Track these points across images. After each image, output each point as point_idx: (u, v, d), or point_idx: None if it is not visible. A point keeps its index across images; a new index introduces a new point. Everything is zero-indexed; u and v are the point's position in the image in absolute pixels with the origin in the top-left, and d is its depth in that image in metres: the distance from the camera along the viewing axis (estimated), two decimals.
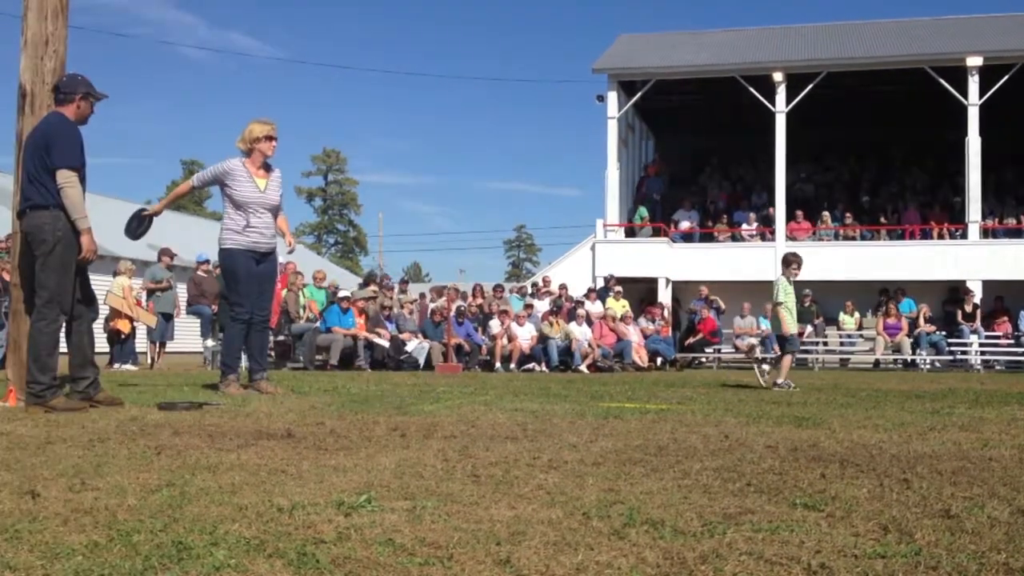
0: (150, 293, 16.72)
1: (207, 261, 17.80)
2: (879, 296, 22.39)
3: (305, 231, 74.29)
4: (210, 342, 16.90)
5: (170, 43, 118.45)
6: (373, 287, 19.32)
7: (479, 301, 19.87)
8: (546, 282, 22.10)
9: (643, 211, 24.90)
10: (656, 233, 24.75)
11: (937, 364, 20.19)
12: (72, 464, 3.63)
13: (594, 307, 19.99)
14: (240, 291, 8.07)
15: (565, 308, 19.17)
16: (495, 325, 18.14)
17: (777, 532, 2.55)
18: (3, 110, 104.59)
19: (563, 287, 20.96)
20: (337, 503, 2.85)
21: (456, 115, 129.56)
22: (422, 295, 21.23)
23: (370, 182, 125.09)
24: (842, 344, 22.32)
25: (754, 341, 21.61)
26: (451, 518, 2.68)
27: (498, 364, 17.46)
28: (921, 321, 20.69)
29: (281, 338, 17.12)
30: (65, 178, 5.98)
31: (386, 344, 17.00)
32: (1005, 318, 21.53)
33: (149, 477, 3.32)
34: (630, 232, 25.12)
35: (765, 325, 21.95)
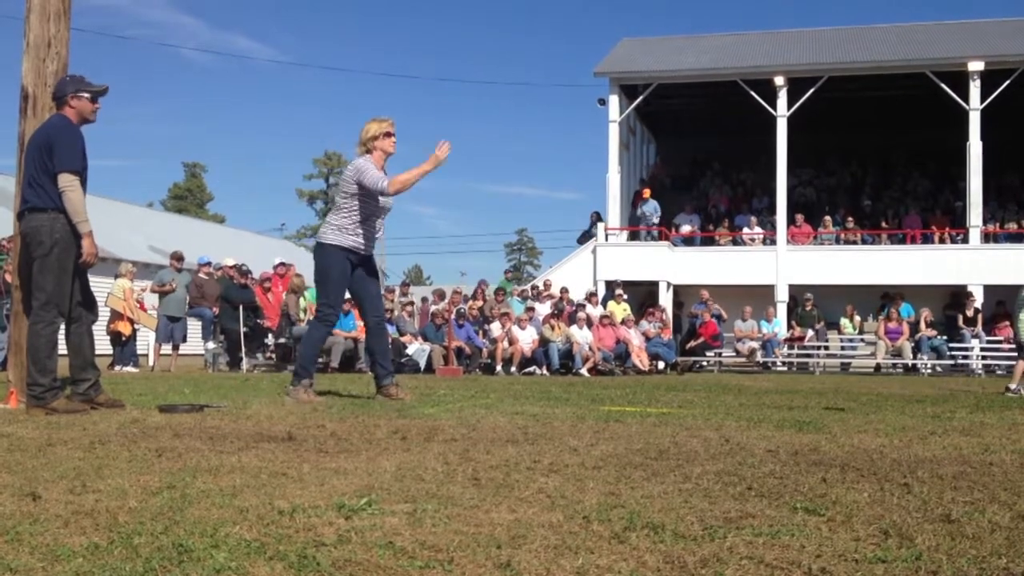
0: (161, 296, 16.78)
1: (208, 263, 17.82)
2: (881, 300, 22.38)
3: (307, 234, 74.32)
4: (211, 344, 16.93)
5: (172, 45, 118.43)
6: None
7: (480, 304, 19.87)
8: (547, 285, 22.10)
9: (655, 205, 24.83)
10: (658, 237, 24.74)
11: (938, 368, 20.19)
12: (73, 466, 3.63)
13: (595, 311, 20.01)
14: (331, 291, 7.58)
15: (566, 312, 19.17)
16: (496, 328, 18.15)
17: (778, 536, 2.55)
18: (5, 113, 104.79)
19: (564, 291, 20.97)
20: (338, 506, 2.85)
21: (457, 118, 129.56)
22: (424, 299, 21.23)
23: None
24: (843, 348, 22.31)
25: (755, 345, 21.63)
26: (452, 521, 2.69)
27: (499, 367, 17.47)
28: (923, 326, 20.68)
29: (282, 340, 17.14)
30: (67, 182, 5.97)
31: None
32: (1007, 322, 21.49)
33: (150, 479, 3.32)
34: (633, 236, 25.08)
35: (767, 328, 21.98)
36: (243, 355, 16.25)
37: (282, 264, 18.87)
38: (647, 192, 25.18)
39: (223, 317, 16.68)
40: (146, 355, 18.19)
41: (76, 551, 2.28)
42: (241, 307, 16.40)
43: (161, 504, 2.86)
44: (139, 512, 2.74)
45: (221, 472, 3.52)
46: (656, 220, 24.68)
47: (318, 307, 7.78)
